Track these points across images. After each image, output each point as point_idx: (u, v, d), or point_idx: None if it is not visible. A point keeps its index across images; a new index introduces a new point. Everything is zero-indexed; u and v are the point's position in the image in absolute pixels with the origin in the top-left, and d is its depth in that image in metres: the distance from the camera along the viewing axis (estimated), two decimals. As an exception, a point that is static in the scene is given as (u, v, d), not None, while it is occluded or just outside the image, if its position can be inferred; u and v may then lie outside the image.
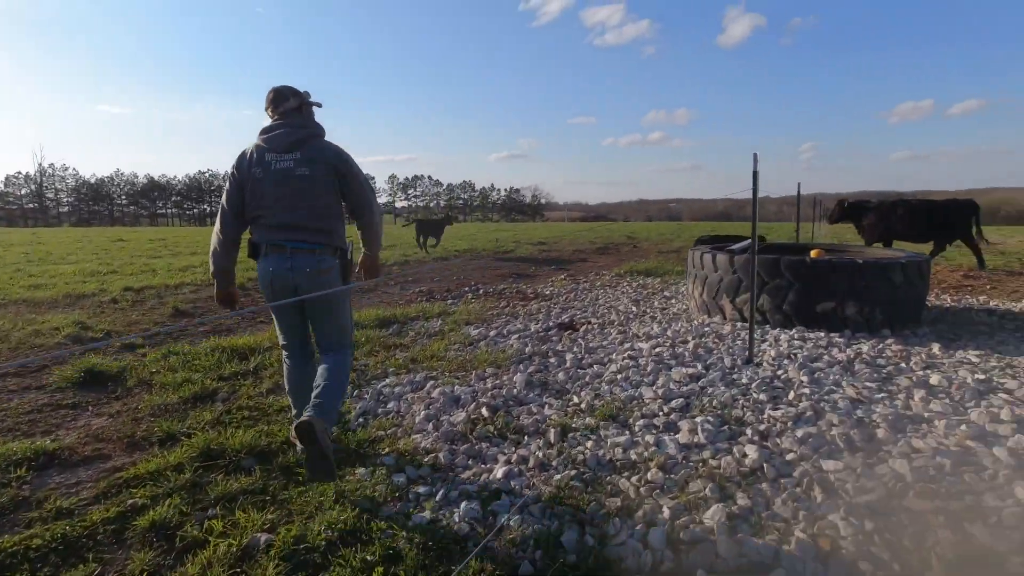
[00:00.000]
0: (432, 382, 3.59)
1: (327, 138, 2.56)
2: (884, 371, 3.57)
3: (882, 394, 3.16)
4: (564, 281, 8.58)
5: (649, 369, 3.65)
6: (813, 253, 5.32)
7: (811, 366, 3.62)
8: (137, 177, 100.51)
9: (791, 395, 3.15)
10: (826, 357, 3.82)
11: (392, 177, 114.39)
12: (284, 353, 2.67)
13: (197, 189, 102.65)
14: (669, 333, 4.58)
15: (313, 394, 2.31)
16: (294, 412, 2.68)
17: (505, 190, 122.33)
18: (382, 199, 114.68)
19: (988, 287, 7.67)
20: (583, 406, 3.13)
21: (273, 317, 2.63)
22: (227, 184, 2.52)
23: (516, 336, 4.78)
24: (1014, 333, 4.71)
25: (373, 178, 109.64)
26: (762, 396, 3.14)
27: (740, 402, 3.09)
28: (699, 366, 3.67)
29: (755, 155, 3.44)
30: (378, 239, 2.61)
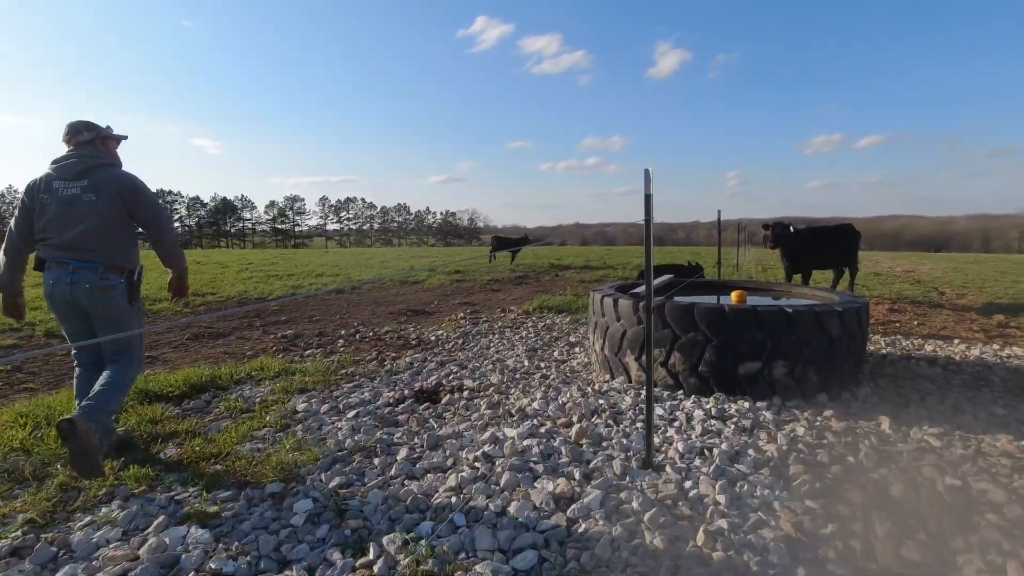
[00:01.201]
0: (164, 514, 2.27)
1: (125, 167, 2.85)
2: (829, 474, 2.56)
3: (830, 526, 2.12)
4: (462, 321, 7.39)
5: (503, 482, 2.47)
6: (734, 297, 4.39)
7: (731, 471, 2.55)
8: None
9: (700, 535, 2.04)
10: (751, 452, 2.77)
11: (323, 199, 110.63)
12: (75, 361, 2.89)
13: None
14: (552, 408, 3.44)
15: (86, 399, 2.55)
16: None
17: (441, 213, 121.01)
18: (312, 221, 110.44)
19: (915, 322, 7.11)
20: (378, 570, 1.91)
21: (62, 327, 2.79)
22: (16, 211, 2.72)
23: (354, 413, 3.52)
24: (965, 393, 3.90)
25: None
26: (658, 540, 2.02)
27: (624, 553, 1.96)
28: (577, 473, 2.53)
29: (647, 171, 2.40)
30: (174, 258, 2.84)
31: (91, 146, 2.77)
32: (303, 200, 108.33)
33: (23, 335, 6.27)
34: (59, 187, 2.66)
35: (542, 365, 4.81)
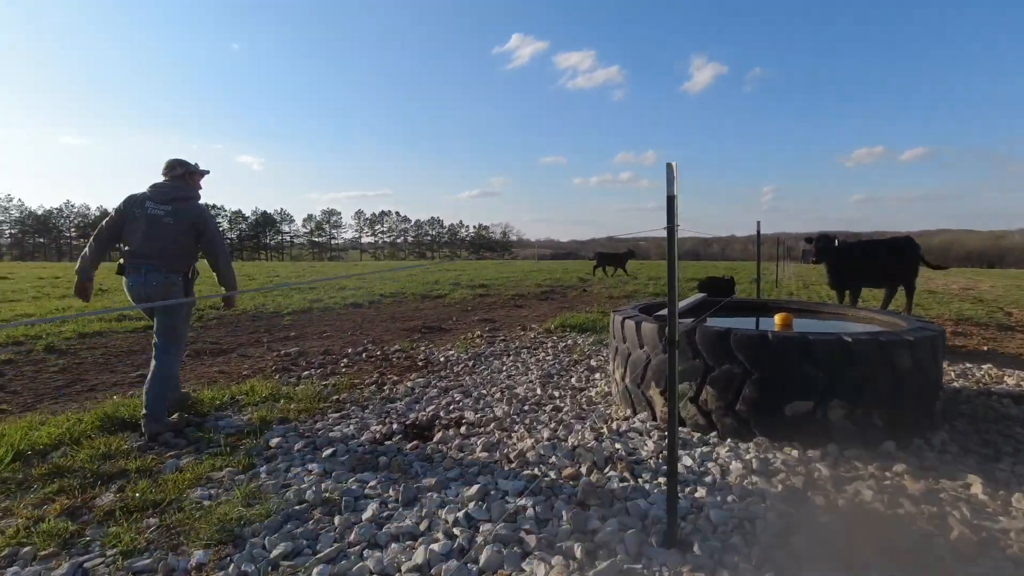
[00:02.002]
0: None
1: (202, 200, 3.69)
2: (915, 565, 1.94)
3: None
4: (477, 340, 6.90)
5: (483, 561, 1.94)
6: (778, 321, 3.77)
7: (780, 555, 1.96)
8: (89, 209, 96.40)
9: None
10: (807, 525, 2.17)
11: (359, 213, 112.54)
12: (158, 343, 3.51)
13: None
14: (559, 454, 2.90)
15: (145, 407, 3.31)
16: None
17: (474, 227, 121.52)
18: (348, 235, 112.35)
19: (985, 347, 6.28)
20: None
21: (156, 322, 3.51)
22: (112, 215, 3.47)
23: (331, 451, 3.05)
24: (1070, 442, 3.19)
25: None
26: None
27: None
28: (579, 550, 1.98)
29: (670, 166, 1.88)
30: (227, 279, 3.60)
31: (180, 179, 3.58)
32: (339, 214, 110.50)
33: (23, 349, 6.06)
34: (149, 206, 3.43)
35: (556, 395, 4.26)
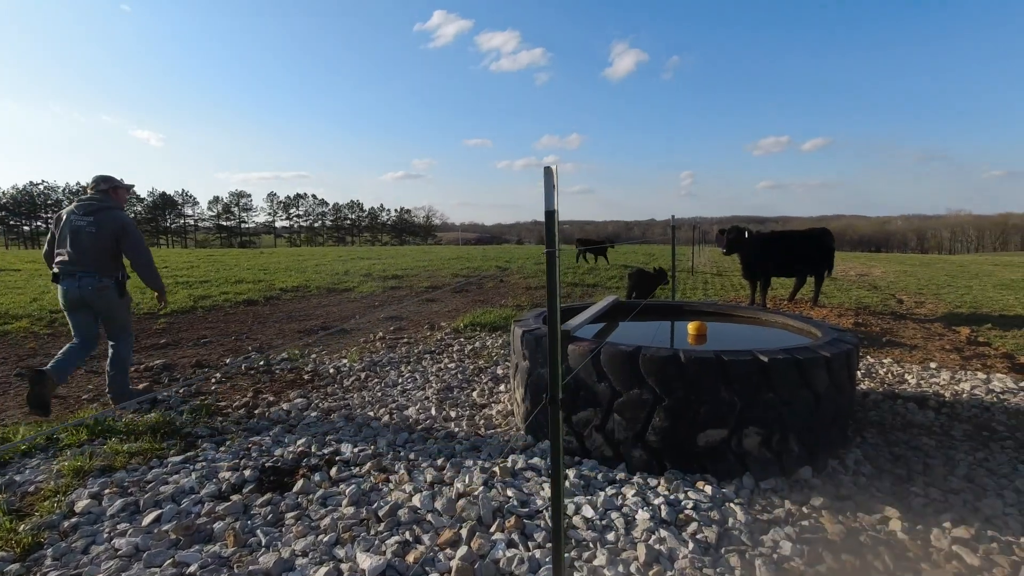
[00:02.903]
0: None
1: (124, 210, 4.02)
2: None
3: None
4: (378, 343, 6.28)
5: None
6: (691, 330, 3.46)
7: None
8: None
9: None
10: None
11: (271, 195, 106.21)
12: (75, 338, 3.91)
13: (28, 203, 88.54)
14: (439, 505, 2.41)
15: (109, 378, 3.94)
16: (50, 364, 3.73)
17: (395, 210, 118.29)
18: (260, 218, 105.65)
19: (884, 338, 6.44)
20: None
21: (71, 321, 3.90)
22: (50, 232, 3.93)
23: (154, 516, 2.40)
24: (974, 453, 3.10)
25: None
26: None
27: None
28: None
29: (548, 169, 1.41)
30: (151, 280, 3.98)
31: (103, 194, 3.94)
32: (250, 196, 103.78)
33: None
34: (73, 220, 3.80)
35: (453, 415, 3.78)
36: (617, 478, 2.67)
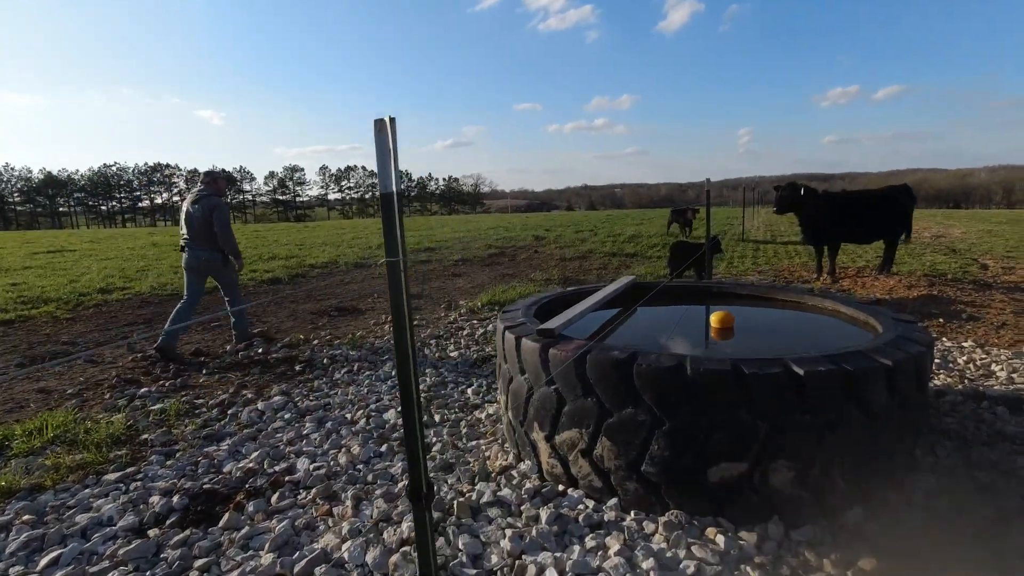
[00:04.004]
0: None
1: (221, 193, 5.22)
2: None
3: None
4: (386, 327, 5.88)
5: None
6: (715, 321, 2.81)
7: None
8: (31, 172, 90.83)
9: None
10: None
11: (323, 168, 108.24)
12: (185, 296, 5.06)
13: (104, 184, 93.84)
14: (373, 556, 1.93)
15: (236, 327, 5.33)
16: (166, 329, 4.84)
17: (444, 179, 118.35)
18: (313, 191, 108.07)
19: (964, 314, 5.50)
20: None
21: (185, 279, 5.08)
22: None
23: (50, 560, 2.06)
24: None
25: (293, 174, 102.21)
26: None
27: None
28: None
29: (380, 122, 0.82)
30: (227, 244, 5.01)
31: (207, 185, 5.13)
32: (303, 170, 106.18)
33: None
34: (187, 206, 5.04)
35: (437, 419, 3.31)
36: (604, 520, 2.12)
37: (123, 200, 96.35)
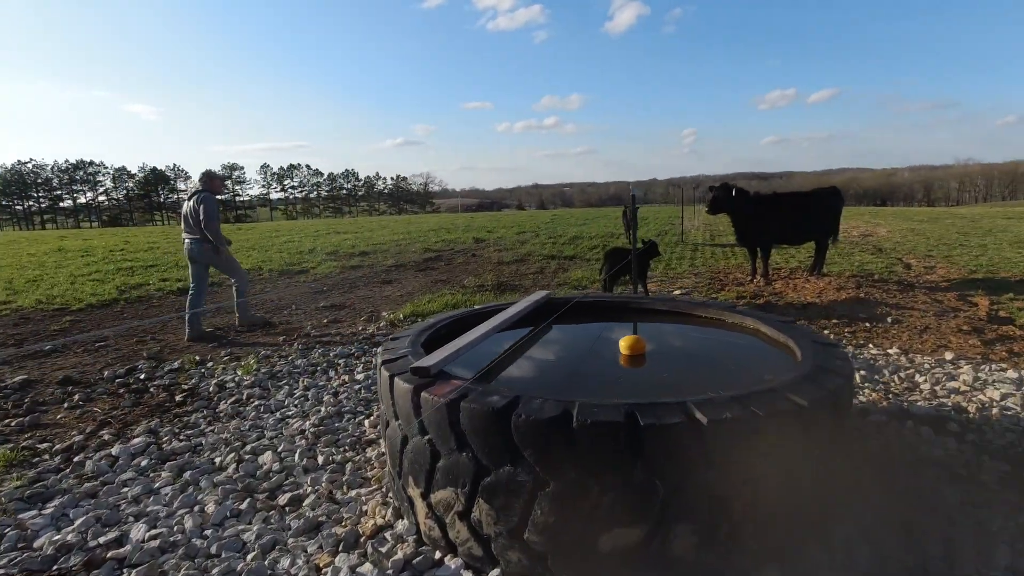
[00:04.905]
0: None
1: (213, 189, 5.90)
2: None
3: None
4: (293, 345, 5.36)
5: None
6: (624, 347, 2.51)
7: None
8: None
9: None
10: None
11: (265, 167, 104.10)
12: (192, 286, 5.83)
13: (18, 183, 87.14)
14: None
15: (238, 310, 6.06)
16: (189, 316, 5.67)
17: (392, 178, 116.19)
18: (255, 191, 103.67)
19: (889, 318, 5.48)
20: None
21: (190, 271, 5.88)
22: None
23: None
24: (1016, 518, 2.18)
25: (228, 177, 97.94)
26: None
27: None
28: None
29: None
30: (212, 233, 5.62)
31: (202, 183, 5.88)
32: (243, 168, 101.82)
33: None
34: (185, 203, 5.79)
35: (320, 461, 2.88)
36: (479, 600, 1.77)
37: (41, 200, 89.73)
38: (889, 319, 5.48)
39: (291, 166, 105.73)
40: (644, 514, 1.69)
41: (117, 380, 4.48)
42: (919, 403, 3.31)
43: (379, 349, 2.54)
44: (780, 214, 7.53)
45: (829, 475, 2.02)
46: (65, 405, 3.98)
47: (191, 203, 5.68)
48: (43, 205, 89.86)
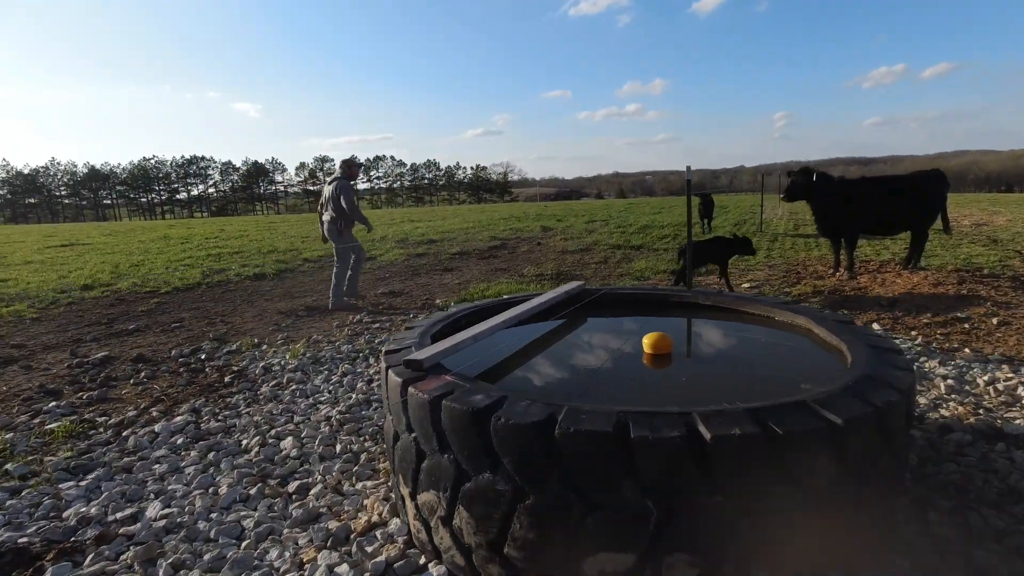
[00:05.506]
0: None
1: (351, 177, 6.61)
2: None
3: None
4: (343, 331, 5.46)
5: None
6: (648, 345, 2.27)
7: None
8: (76, 166, 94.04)
9: None
10: None
11: (351, 158, 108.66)
12: (337, 261, 6.60)
13: (143, 177, 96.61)
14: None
15: (348, 287, 6.62)
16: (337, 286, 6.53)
17: (471, 168, 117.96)
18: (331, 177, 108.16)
19: (994, 320, 4.75)
20: None
21: (334, 249, 6.65)
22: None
23: None
24: None
25: (338, 162, 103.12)
26: None
27: None
28: None
29: None
30: (353, 215, 6.42)
31: (341, 170, 6.54)
32: (332, 160, 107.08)
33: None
34: (324, 187, 6.53)
35: (337, 449, 2.86)
36: (453, 617, 1.63)
37: (162, 192, 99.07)
38: (995, 320, 4.76)
39: (376, 157, 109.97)
40: (634, 539, 1.48)
41: (181, 359, 4.75)
42: (1017, 421, 2.80)
43: (389, 340, 2.46)
44: (867, 201, 6.77)
45: (871, 509, 1.70)
46: (131, 381, 4.25)
47: (331, 188, 6.32)
48: (163, 197, 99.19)
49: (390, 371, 2.01)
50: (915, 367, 3.68)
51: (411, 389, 1.84)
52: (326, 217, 6.41)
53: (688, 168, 4.27)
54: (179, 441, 3.06)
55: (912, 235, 7.18)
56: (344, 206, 6.25)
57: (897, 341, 4.28)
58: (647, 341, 2.28)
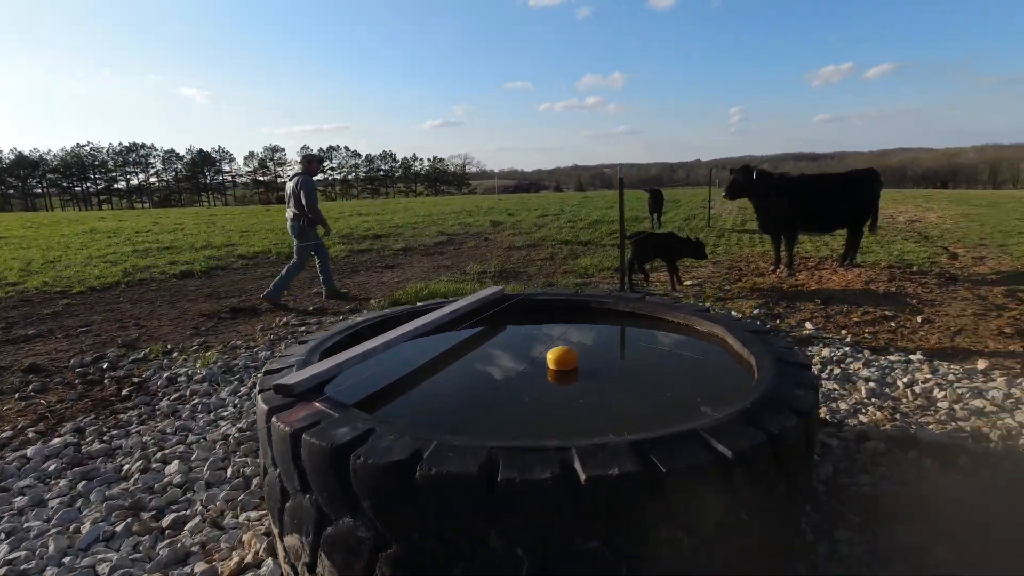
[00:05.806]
0: None
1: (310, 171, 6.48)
2: None
3: None
4: (267, 334, 5.15)
5: None
6: (551, 360, 2.11)
7: None
8: (1, 152, 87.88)
9: None
10: None
11: (304, 147, 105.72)
12: (295, 257, 6.49)
13: (78, 165, 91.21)
14: None
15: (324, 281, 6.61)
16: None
17: (428, 160, 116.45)
18: (292, 171, 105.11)
19: (919, 318, 4.86)
20: None
21: (294, 245, 6.54)
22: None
23: None
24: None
25: (296, 154, 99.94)
26: None
27: None
28: None
29: None
30: (313, 215, 6.27)
31: (301, 165, 6.47)
32: (283, 150, 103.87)
33: None
34: (287, 184, 6.40)
35: (228, 473, 2.61)
36: None
37: (98, 181, 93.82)
38: (919, 318, 4.87)
39: (330, 147, 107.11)
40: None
41: (79, 369, 4.35)
42: (930, 426, 2.80)
43: (263, 370, 2.22)
44: (805, 199, 6.88)
45: (767, 542, 1.59)
46: (16, 396, 3.85)
47: (292, 184, 6.29)
48: (99, 187, 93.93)
49: (259, 396, 1.79)
50: (840, 369, 3.68)
51: (274, 419, 1.63)
52: (288, 214, 6.34)
53: (619, 167, 4.17)
54: (51, 467, 2.75)
55: (848, 232, 7.33)
56: (303, 202, 6.16)
57: (827, 340, 4.30)
58: (551, 356, 2.13)
